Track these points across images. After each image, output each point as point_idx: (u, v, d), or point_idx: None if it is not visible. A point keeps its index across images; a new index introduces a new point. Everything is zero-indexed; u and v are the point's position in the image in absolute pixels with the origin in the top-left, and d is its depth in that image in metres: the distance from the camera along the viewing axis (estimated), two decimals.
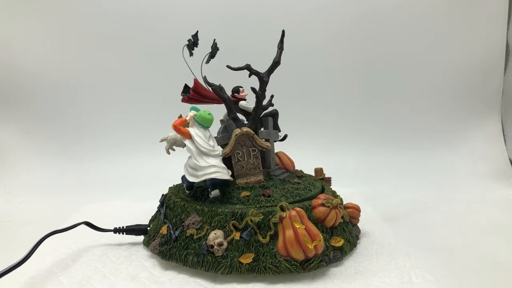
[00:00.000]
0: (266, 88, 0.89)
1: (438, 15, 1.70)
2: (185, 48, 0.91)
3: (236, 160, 0.85)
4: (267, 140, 0.91)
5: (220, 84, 0.91)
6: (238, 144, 0.84)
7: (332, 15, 1.74)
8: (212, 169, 0.77)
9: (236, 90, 0.99)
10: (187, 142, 0.80)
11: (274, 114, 0.99)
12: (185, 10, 1.73)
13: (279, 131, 1.00)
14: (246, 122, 0.93)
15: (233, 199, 0.80)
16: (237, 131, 0.83)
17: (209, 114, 0.81)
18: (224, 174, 0.78)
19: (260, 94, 0.87)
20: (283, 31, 0.85)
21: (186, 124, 0.81)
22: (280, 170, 0.93)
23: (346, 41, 1.75)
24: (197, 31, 0.90)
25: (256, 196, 0.79)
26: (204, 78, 0.91)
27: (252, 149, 0.85)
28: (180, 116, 0.83)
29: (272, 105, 0.93)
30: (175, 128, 0.81)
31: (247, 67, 0.87)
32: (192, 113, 0.82)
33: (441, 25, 1.71)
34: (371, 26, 1.73)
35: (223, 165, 0.79)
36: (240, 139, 0.84)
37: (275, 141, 1.00)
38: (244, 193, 0.81)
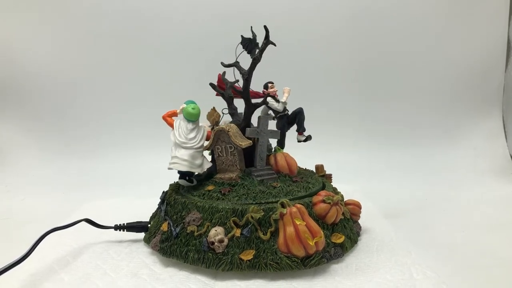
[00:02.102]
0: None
1: (439, 12, 1.69)
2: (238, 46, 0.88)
3: (217, 155, 0.88)
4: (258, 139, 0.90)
5: (237, 80, 0.91)
6: (219, 139, 0.87)
7: (332, 13, 1.73)
8: (173, 160, 0.83)
9: (265, 85, 0.98)
10: (171, 133, 0.85)
11: (297, 113, 0.98)
12: (186, 9, 1.73)
13: (304, 130, 0.99)
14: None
15: (195, 191, 0.84)
16: (218, 127, 0.86)
17: (193, 108, 0.84)
18: (182, 165, 0.82)
19: (242, 92, 0.87)
20: (266, 27, 0.82)
21: (176, 115, 0.87)
22: (267, 171, 0.89)
23: (347, 39, 1.75)
24: (251, 26, 0.88)
25: (214, 192, 0.81)
26: (223, 74, 0.91)
27: (229, 146, 0.86)
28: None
29: (267, 103, 0.92)
30: (163, 118, 0.86)
31: (235, 65, 0.88)
32: (182, 106, 0.85)
33: (442, 22, 1.70)
34: (372, 24, 1.73)
35: (186, 158, 0.82)
36: (220, 135, 0.86)
37: (300, 141, 0.99)
38: (209, 187, 0.83)
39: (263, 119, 0.91)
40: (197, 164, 0.84)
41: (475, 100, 1.72)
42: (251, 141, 0.86)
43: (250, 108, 0.89)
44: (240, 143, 0.84)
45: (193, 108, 0.84)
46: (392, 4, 1.71)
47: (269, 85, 0.98)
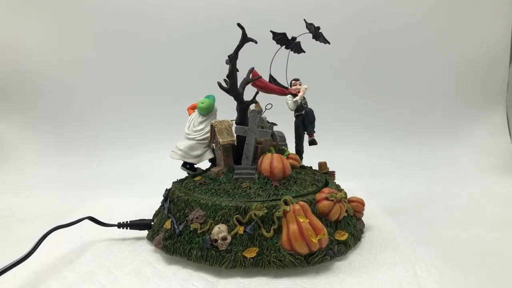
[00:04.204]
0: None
1: (443, 8, 1.68)
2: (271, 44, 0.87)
3: (216, 150, 0.92)
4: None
5: (260, 76, 0.92)
6: (215, 134, 0.89)
7: (334, 10, 1.72)
8: (172, 149, 0.90)
9: (290, 82, 0.98)
10: None
11: (306, 114, 0.97)
12: (187, 8, 1.72)
13: (311, 132, 0.98)
14: None
15: (184, 180, 0.93)
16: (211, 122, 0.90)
17: (202, 102, 0.89)
18: (176, 155, 0.90)
19: (230, 90, 0.86)
20: (240, 25, 0.79)
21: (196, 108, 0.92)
22: (249, 170, 0.85)
23: (350, 35, 1.74)
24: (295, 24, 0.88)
25: (194, 183, 0.86)
26: (251, 69, 0.90)
27: (218, 141, 0.88)
28: None
29: (256, 102, 0.90)
30: (187, 110, 0.94)
31: (227, 62, 0.87)
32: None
33: (446, 18, 1.69)
34: (375, 20, 1.72)
35: (182, 148, 0.89)
36: (214, 130, 0.88)
37: (314, 144, 0.99)
38: (197, 178, 0.89)
39: (252, 117, 0.87)
40: (193, 155, 0.90)
41: (479, 96, 1.71)
42: (234, 139, 0.87)
43: (241, 105, 0.88)
44: (220, 139, 0.85)
45: (202, 102, 0.89)
46: (395, 1, 1.70)
47: (292, 82, 0.98)
